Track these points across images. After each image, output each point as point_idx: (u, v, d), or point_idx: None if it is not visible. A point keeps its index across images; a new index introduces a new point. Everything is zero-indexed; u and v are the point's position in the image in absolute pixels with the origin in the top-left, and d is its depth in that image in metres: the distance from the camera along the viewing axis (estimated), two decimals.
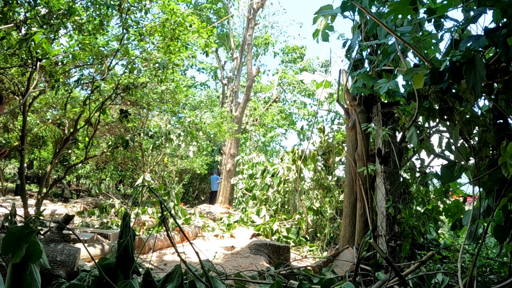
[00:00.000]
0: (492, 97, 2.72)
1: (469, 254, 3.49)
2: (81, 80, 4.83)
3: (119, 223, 3.56)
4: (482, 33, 2.23)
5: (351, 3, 3.21)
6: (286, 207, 7.62)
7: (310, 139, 6.54)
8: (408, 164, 4.19)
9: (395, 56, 3.28)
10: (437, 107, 2.97)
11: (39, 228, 1.62)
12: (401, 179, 4.04)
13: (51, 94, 5.95)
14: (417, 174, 4.12)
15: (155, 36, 4.87)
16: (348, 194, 4.39)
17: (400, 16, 2.63)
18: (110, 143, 8.34)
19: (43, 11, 3.74)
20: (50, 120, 5.85)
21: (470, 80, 2.20)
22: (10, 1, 3.55)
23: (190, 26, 4.90)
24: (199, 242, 5.72)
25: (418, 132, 3.18)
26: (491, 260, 3.33)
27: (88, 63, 4.79)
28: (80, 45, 4.41)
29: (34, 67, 3.95)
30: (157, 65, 4.84)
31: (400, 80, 3.40)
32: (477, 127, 2.88)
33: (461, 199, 3.69)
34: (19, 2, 3.69)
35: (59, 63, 4.39)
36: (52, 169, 6.04)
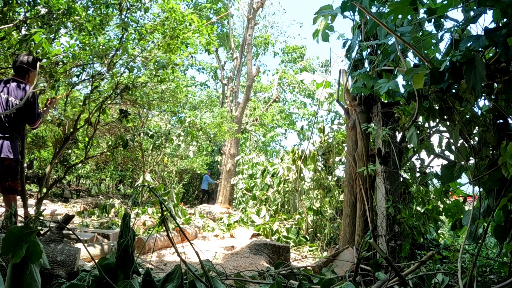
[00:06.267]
0: (492, 97, 2.72)
1: (469, 254, 3.49)
2: (81, 75, 4.82)
3: (119, 223, 3.56)
4: (482, 33, 2.23)
5: (351, 3, 3.21)
6: (286, 207, 7.62)
7: (310, 139, 6.55)
8: (408, 164, 4.19)
9: (395, 56, 3.28)
10: (437, 107, 2.97)
11: (39, 228, 1.62)
12: (401, 179, 4.04)
13: (51, 94, 5.95)
14: (417, 174, 4.12)
15: (155, 34, 4.88)
16: (348, 194, 4.38)
17: (400, 16, 2.63)
18: (110, 143, 8.34)
19: (43, 11, 3.74)
20: (50, 120, 5.85)
21: (470, 80, 2.20)
22: (10, 1, 3.55)
23: (190, 25, 4.90)
24: (199, 242, 5.72)
25: (418, 132, 3.17)
26: (491, 260, 3.33)
27: (89, 62, 4.79)
28: (80, 44, 4.41)
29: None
30: (157, 64, 4.84)
31: (400, 80, 3.40)
32: (477, 127, 2.88)
33: (461, 199, 3.69)
34: (19, 2, 3.69)
35: (59, 63, 4.39)
36: (52, 169, 6.05)
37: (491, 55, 2.72)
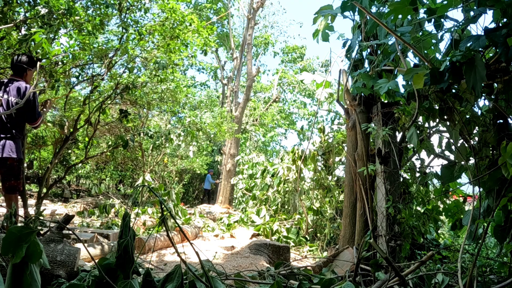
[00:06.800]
0: (492, 97, 2.72)
1: (469, 254, 3.49)
2: (80, 76, 4.81)
3: (119, 223, 3.57)
4: (482, 33, 2.23)
5: (351, 3, 3.21)
6: (286, 207, 7.62)
7: (310, 139, 6.55)
8: (408, 164, 4.19)
9: (395, 56, 3.28)
10: (437, 107, 2.97)
11: (39, 228, 1.62)
12: (401, 179, 4.04)
13: (51, 94, 5.96)
14: (417, 174, 4.12)
15: (155, 35, 4.88)
16: (348, 194, 4.38)
17: (400, 16, 2.63)
18: (110, 143, 8.34)
19: (43, 11, 3.74)
20: (51, 120, 5.85)
21: (470, 80, 2.20)
22: (10, 1, 3.55)
23: (190, 25, 4.90)
24: (199, 242, 5.72)
25: (418, 132, 3.17)
26: (491, 260, 3.33)
27: (89, 62, 4.79)
28: (80, 44, 4.41)
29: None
30: (157, 64, 4.84)
31: (400, 80, 3.40)
32: (477, 127, 2.88)
33: (461, 199, 3.69)
34: (19, 2, 3.69)
35: (59, 63, 4.39)
36: (52, 169, 6.05)
37: (491, 55, 2.72)
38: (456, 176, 3.04)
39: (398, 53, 2.97)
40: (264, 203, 8.12)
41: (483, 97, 2.77)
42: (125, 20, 4.52)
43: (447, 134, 3.14)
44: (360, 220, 4.13)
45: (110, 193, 12.36)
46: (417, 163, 4.12)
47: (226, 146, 14.44)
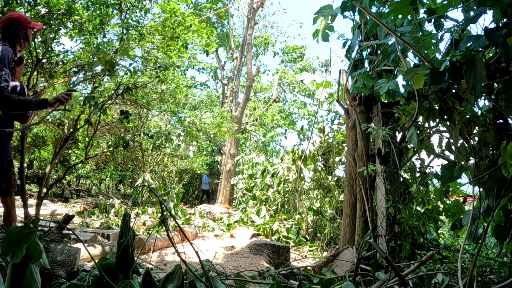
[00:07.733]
0: (492, 97, 2.72)
1: (469, 254, 3.49)
2: (80, 73, 4.80)
3: (119, 223, 3.58)
4: (482, 33, 2.23)
5: (351, 3, 3.21)
6: (286, 207, 7.62)
7: (310, 139, 6.54)
8: (408, 164, 4.19)
9: (395, 56, 3.28)
10: (437, 107, 2.97)
11: (39, 228, 1.62)
12: (401, 179, 4.04)
13: (51, 94, 5.95)
14: (417, 174, 4.12)
15: (156, 35, 4.88)
16: (348, 194, 4.38)
17: (400, 16, 2.63)
18: (110, 143, 8.34)
19: (43, 11, 3.74)
20: (50, 120, 5.85)
21: (470, 80, 2.20)
22: (10, 1, 3.55)
23: (190, 26, 4.90)
24: (199, 242, 5.72)
25: (418, 132, 3.17)
26: (491, 260, 3.33)
27: (90, 61, 4.78)
28: (81, 44, 4.41)
29: (34, 67, 3.95)
30: (157, 65, 4.84)
31: (400, 80, 3.40)
32: (477, 127, 2.88)
33: (461, 199, 3.69)
34: (19, 2, 3.69)
35: (59, 63, 4.39)
36: (52, 169, 6.05)
37: (491, 55, 2.72)
38: (456, 176, 3.04)
39: (398, 53, 2.97)
40: (264, 203, 8.12)
41: (483, 97, 2.77)
42: (126, 20, 4.52)
43: (447, 134, 3.14)
44: (360, 220, 4.13)
45: (110, 193, 12.35)
46: (417, 163, 4.12)
47: (226, 146, 14.44)
